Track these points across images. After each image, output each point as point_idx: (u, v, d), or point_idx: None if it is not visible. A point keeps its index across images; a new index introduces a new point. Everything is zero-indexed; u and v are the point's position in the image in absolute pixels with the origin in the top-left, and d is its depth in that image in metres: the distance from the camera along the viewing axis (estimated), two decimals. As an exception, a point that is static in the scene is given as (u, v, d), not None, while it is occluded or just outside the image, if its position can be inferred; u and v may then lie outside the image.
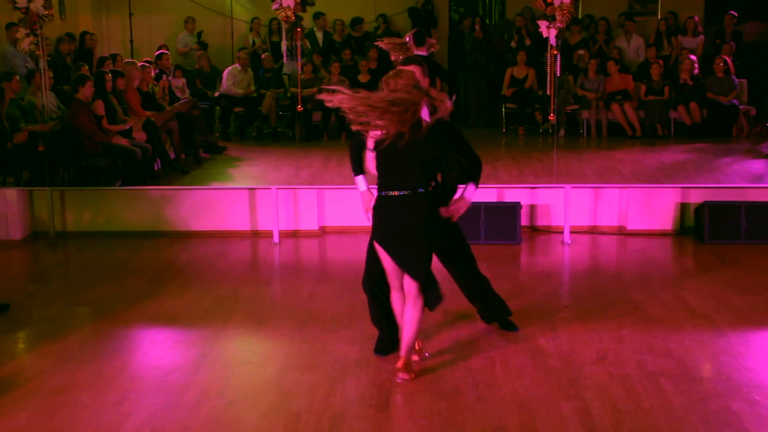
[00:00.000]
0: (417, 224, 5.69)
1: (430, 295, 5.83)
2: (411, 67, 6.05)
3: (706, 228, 9.57)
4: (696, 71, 12.01)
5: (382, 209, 5.79)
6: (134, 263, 9.13)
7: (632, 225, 9.97)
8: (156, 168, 10.76)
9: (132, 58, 11.76)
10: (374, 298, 6.26)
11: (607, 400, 5.52)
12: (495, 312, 6.84)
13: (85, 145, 10.04)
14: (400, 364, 5.83)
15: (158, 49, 12.08)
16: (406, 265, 5.76)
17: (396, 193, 5.71)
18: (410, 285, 5.78)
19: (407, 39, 9.38)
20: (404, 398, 5.62)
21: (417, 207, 5.69)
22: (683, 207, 10.02)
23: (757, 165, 11.05)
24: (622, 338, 6.63)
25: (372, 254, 6.08)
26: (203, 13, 12.95)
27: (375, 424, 5.27)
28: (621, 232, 10.03)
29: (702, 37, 12.91)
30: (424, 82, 6.10)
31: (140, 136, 10.49)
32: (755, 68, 12.74)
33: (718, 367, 6.10)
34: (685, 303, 7.48)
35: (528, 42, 12.85)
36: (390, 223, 5.75)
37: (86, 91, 10.00)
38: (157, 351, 6.58)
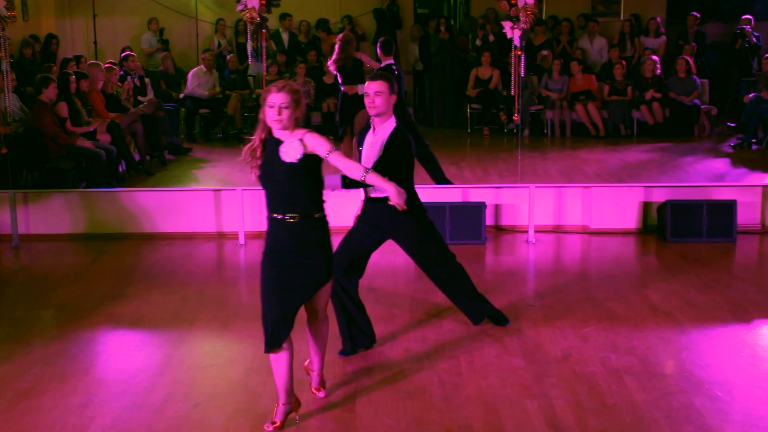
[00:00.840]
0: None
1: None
2: (379, 83, 6.04)
3: (668, 226, 9.66)
4: (658, 71, 12.13)
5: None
6: (99, 266, 9.08)
7: (596, 224, 10.05)
8: (121, 170, 10.72)
9: (96, 60, 11.70)
10: (334, 297, 6.27)
11: (571, 398, 5.57)
12: (481, 311, 6.89)
13: (49, 147, 9.98)
14: (314, 385, 5.71)
15: (123, 51, 12.03)
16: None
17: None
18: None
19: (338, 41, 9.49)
20: (370, 398, 5.64)
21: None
22: (646, 206, 10.11)
23: (718, 164, 11.18)
24: (586, 336, 6.69)
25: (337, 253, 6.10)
26: (168, 14, 12.91)
27: (341, 424, 5.28)
28: (585, 231, 10.11)
29: (664, 37, 13.04)
30: (392, 100, 6.11)
31: (104, 138, 10.44)
32: (717, 68, 12.89)
33: (680, 363, 6.18)
34: (648, 301, 7.56)
35: (492, 38, 12.92)
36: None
37: (49, 92, 9.93)
38: (122, 353, 6.56)
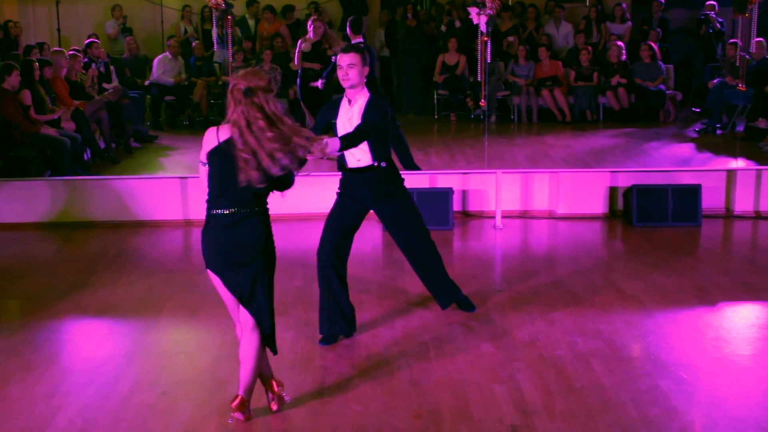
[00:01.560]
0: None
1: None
2: (351, 55, 6.07)
3: (634, 211, 9.73)
4: (624, 57, 12.18)
5: None
6: (64, 255, 9.01)
7: (563, 209, 10.10)
8: (86, 158, 10.62)
9: (60, 47, 11.57)
10: (321, 279, 6.32)
11: (538, 382, 5.61)
12: (450, 295, 6.89)
13: (13, 135, 9.87)
14: (235, 403, 5.11)
15: (88, 38, 11.90)
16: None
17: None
18: (246, 316, 5.18)
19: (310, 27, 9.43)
20: (339, 384, 5.64)
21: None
22: (612, 191, 10.18)
23: (683, 149, 11.26)
24: (554, 320, 6.73)
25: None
26: (133, 1, 12.78)
27: (310, 410, 5.28)
28: (552, 216, 10.16)
29: (630, 23, 13.08)
30: (364, 71, 6.12)
31: (69, 125, 10.34)
32: (681, 54, 12.96)
33: (646, 346, 6.23)
34: (614, 285, 7.61)
35: (458, 24, 12.90)
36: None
37: (12, 80, 9.82)
38: (89, 342, 6.52)
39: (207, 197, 5.08)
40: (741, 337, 6.39)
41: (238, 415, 5.12)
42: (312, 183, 10.08)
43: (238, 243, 5.01)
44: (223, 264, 5.05)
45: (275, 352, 5.34)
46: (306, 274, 7.92)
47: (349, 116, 6.15)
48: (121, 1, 12.67)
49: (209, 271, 5.13)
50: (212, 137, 4.94)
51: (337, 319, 6.34)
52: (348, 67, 6.04)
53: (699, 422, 5.10)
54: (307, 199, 10.14)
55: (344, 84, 6.11)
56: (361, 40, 9.74)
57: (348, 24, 9.87)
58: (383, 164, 6.28)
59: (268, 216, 5.17)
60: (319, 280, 6.35)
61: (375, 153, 6.20)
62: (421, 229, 6.58)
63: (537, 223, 10.03)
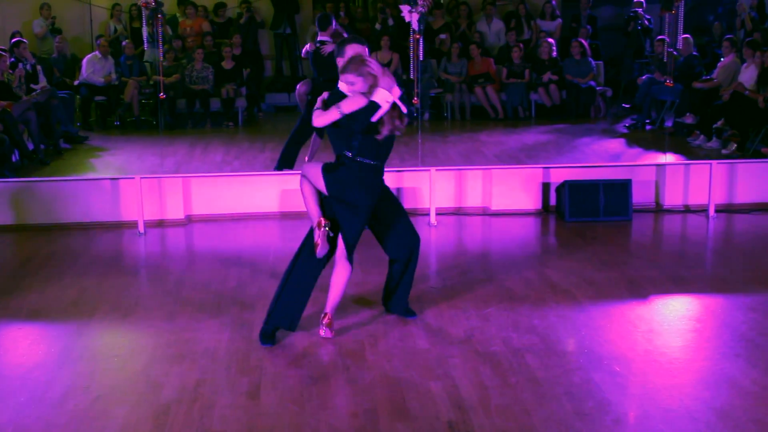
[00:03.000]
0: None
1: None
2: (355, 46, 6.27)
3: (566, 206, 9.84)
4: (554, 54, 12.31)
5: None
6: (-7, 258, 8.85)
7: (496, 205, 10.18)
8: (14, 159, 10.42)
9: (-15, 46, 11.33)
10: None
11: (474, 378, 5.64)
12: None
13: (-63, 137, 9.66)
14: (326, 320, 6.34)
15: (12, 37, 11.67)
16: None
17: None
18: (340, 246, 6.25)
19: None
20: (274, 384, 5.61)
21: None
22: (545, 186, 10.29)
23: (613, 144, 11.41)
24: (488, 316, 6.77)
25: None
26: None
27: (245, 412, 5.25)
28: (485, 212, 10.23)
29: (560, 20, 13.22)
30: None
31: (-4, 126, 10.14)
32: (611, 51, 13.14)
33: (579, 340, 6.30)
34: (547, 280, 7.69)
35: (391, 22, 12.91)
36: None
37: (-64, 81, 9.61)
38: (19, 347, 6.40)
39: None
40: (672, 329, 6.49)
41: (326, 331, 6.31)
42: (247, 183, 10.03)
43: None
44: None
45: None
46: (240, 275, 7.87)
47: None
48: (49, -1, 12.46)
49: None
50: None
51: (282, 313, 6.26)
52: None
53: (632, 414, 5.17)
54: (241, 200, 10.10)
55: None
56: (327, 38, 9.66)
57: (316, 21, 9.78)
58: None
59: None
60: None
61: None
62: (406, 216, 6.68)
63: (471, 219, 10.09)
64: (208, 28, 12.73)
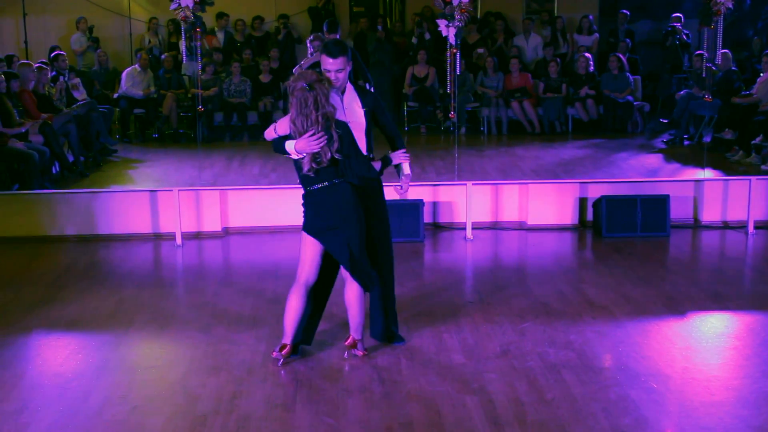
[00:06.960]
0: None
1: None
2: (340, 60, 6.07)
3: (603, 222, 9.79)
4: (591, 68, 12.28)
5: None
6: (33, 269, 8.93)
7: (533, 220, 10.15)
8: (54, 171, 10.54)
9: (27, 59, 11.48)
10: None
11: (510, 393, 5.62)
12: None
13: (-20, 149, 9.79)
14: (347, 342, 6.24)
15: (52, 51, 11.83)
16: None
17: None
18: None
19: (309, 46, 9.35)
20: (310, 397, 5.62)
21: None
22: (582, 201, 10.24)
23: (651, 159, 11.34)
24: (524, 331, 6.74)
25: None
26: (100, 13, 12.72)
27: (282, 424, 5.26)
28: (522, 227, 10.20)
29: (597, 35, 13.20)
30: (350, 67, 6.20)
31: (37, 138, 10.25)
32: (649, 65, 13.08)
33: (616, 357, 6.26)
34: (584, 295, 7.65)
35: (428, 36, 12.95)
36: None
37: (-21, 93, 9.74)
38: (57, 358, 6.45)
39: None
40: (710, 346, 6.44)
41: (356, 351, 6.24)
42: (284, 195, 10.07)
43: None
44: None
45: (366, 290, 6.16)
46: (276, 287, 7.90)
47: (350, 107, 6.21)
48: (87, 14, 12.62)
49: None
50: None
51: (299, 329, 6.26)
52: (337, 72, 6.07)
53: (669, 431, 5.12)
54: (278, 212, 10.14)
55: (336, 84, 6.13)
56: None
57: (325, 26, 9.82)
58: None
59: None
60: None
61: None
62: (389, 245, 6.53)
63: (507, 234, 10.07)
64: (218, 43, 12.85)
